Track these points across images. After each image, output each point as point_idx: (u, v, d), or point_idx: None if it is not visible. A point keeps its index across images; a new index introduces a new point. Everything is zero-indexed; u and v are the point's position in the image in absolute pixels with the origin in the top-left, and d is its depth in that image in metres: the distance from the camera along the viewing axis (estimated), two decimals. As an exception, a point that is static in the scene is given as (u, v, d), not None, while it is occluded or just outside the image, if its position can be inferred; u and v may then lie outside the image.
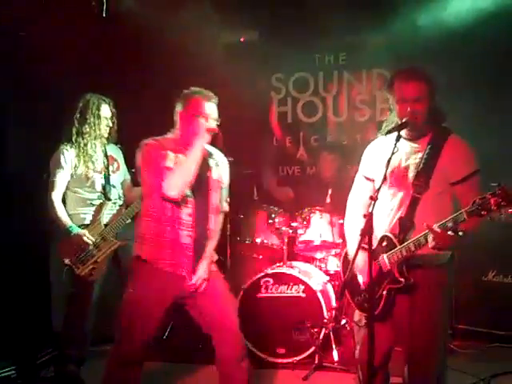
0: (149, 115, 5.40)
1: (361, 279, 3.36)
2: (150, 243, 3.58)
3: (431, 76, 3.23)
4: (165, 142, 3.64)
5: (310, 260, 5.49)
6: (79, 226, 4.39)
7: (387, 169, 3.07)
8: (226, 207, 3.89)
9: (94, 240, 4.38)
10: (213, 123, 3.61)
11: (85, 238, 4.34)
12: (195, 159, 3.52)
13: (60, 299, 4.62)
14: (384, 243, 3.25)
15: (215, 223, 3.76)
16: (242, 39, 6.67)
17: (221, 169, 3.80)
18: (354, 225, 3.43)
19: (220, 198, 3.79)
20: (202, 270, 3.63)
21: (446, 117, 3.31)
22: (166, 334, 5.43)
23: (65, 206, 4.42)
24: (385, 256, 3.24)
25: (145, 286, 3.58)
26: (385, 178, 3.09)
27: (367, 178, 3.47)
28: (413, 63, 5.43)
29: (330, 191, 5.32)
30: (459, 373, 4.53)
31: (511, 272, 5.11)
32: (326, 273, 5.35)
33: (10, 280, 5.06)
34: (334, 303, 5.05)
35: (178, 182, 3.48)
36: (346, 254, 3.57)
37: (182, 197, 3.51)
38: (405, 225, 3.20)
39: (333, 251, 5.30)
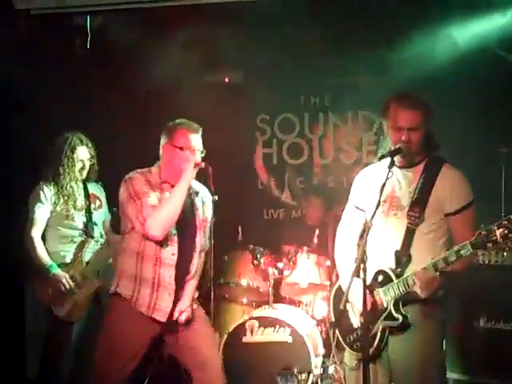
0: (133, 152, 5.27)
1: (353, 316, 3.22)
2: (129, 281, 3.44)
3: (427, 104, 3.15)
4: (150, 176, 3.51)
5: (296, 304, 5.32)
6: (59, 265, 4.22)
7: (381, 194, 2.94)
8: (207, 245, 3.78)
9: (72, 283, 4.19)
10: (199, 156, 3.50)
11: (64, 281, 4.17)
12: (181, 197, 3.39)
13: (35, 341, 4.41)
14: (380, 278, 3.11)
15: (198, 262, 3.65)
16: (226, 80, 6.61)
17: (207, 207, 3.68)
18: (345, 256, 3.32)
19: (204, 238, 3.68)
20: (184, 305, 3.50)
21: (440, 146, 3.24)
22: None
23: (45, 244, 4.26)
24: (380, 291, 3.09)
25: (121, 324, 3.44)
26: (378, 205, 2.94)
27: (358, 208, 3.34)
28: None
29: (317, 231, 5.21)
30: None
31: (502, 317, 4.94)
32: (313, 318, 5.16)
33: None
34: (321, 349, 4.87)
35: (161, 221, 3.34)
36: (337, 290, 3.42)
37: (165, 236, 3.37)
38: (401, 258, 3.08)
39: (320, 294, 5.14)
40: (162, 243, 3.40)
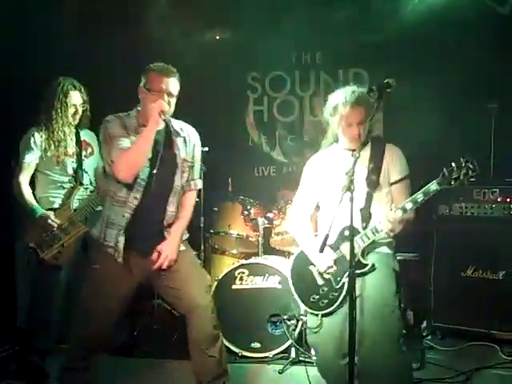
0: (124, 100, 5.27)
1: (317, 275, 3.60)
2: (106, 224, 3.51)
3: (370, 102, 3.45)
4: (126, 119, 3.53)
5: (286, 255, 5.33)
6: (48, 210, 4.24)
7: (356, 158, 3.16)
8: (197, 185, 3.77)
9: (59, 223, 4.21)
10: (172, 101, 3.49)
11: (49, 221, 4.18)
12: (147, 140, 3.40)
13: (25, 288, 4.42)
14: (345, 232, 3.46)
15: (183, 203, 3.66)
16: (217, 37, 6.57)
17: (190, 145, 3.67)
18: (301, 228, 3.79)
19: (188, 177, 3.67)
20: (167, 250, 3.51)
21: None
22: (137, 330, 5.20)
23: (34, 189, 4.30)
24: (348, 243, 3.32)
25: (104, 266, 3.53)
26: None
27: (309, 192, 3.78)
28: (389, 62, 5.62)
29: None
30: (439, 367, 4.46)
31: (490, 267, 4.99)
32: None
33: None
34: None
35: (127, 164, 3.36)
36: (296, 257, 3.82)
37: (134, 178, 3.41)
38: (365, 215, 3.51)
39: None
40: (131, 186, 3.44)
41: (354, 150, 3.47)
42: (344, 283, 3.46)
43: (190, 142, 3.66)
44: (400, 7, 5.73)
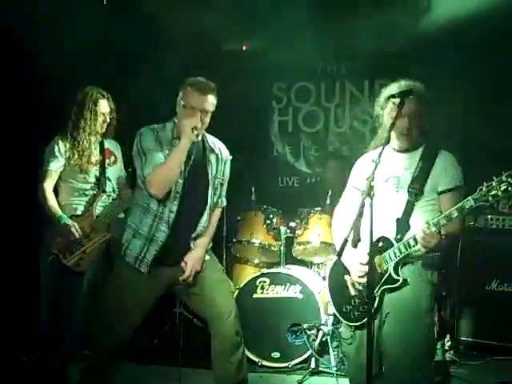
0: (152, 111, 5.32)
1: (350, 285, 3.40)
2: (134, 233, 3.53)
3: (424, 92, 3.36)
4: (161, 132, 3.54)
5: (308, 265, 5.34)
6: (70, 217, 4.28)
7: (377, 164, 3.05)
8: (224, 202, 3.83)
9: (81, 232, 4.25)
10: (207, 117, 3.50)
11: (73, 229, 4.23)
12: (179, 157, 3.41)
13: (48, 293, 4.46)
14: (380, 244, 3.29)
15: (211, 219, 3.69)
16: (244, 47, 6.61)
17: (221, 162, 3.70)
18: (341, 230, 3.43)
19: (219, 194, 3.72)
20: (192, 261, 3.54)
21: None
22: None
23: (57, 197, 4.34)
24: (382, 256, 3.27)
25: (128, 274, 3.55)
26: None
27: (356, 188, 3.53)
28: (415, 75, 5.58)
29: (330, 192, 5.18)
30: (462, 381, 4.42)
31: (515, 281, 4.93)
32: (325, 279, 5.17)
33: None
34: (332, 308, 4.84)
35: (159, 179, 3.38)
36: (333, 266, 3.64)
37: (166, 193, 3.42)
38: (401, 225, 3.28)
39: (332, 256, 5.13)
40: (165, 200, 3.45)
41: (404, 151, 3.40)
42: (375, 298, 3.25)
43: (221, 160, 3.70)
44: (424, 19, 5.70)
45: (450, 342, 5.06)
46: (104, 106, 4.41)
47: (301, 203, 5.74)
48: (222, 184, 3.72)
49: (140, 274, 3.48)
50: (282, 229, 5.02)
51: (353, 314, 3.41)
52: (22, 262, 4.98)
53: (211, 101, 3.48)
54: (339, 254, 3.05)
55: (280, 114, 6.74)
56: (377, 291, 3.25)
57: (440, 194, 3.32)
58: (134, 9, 5.69)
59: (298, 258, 5.28)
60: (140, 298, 3.55)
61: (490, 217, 5.08)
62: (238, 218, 5.30)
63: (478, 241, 5.08)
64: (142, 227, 3.50)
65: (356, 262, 3.31)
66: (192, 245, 3.59)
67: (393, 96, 3.24)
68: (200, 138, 3.54)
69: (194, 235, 3.60)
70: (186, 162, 3.48)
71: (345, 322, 3.47)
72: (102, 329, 3.61)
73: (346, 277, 3.42)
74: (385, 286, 3.25)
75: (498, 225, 5.06)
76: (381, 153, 3.07)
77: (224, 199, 3.81)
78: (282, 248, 5.02)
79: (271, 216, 5.16)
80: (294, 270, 4.91)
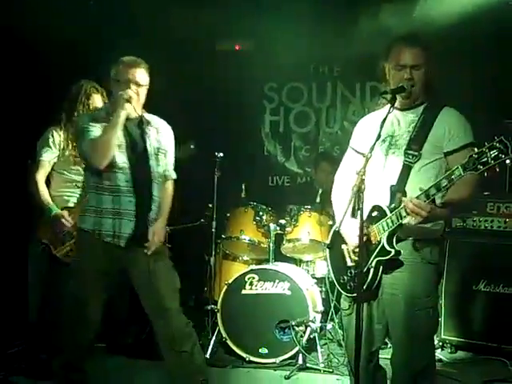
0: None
1: (347, 255, 3.22)
2: (91, 213, 3.58)
3: (429, 43, 3.18)
4: (96, 113, 3.74)
5: (297, 263, 5.35)
6: (62, 209, 4.28)
7: (381, 129, 2.98)
8: (172, 175, 3.86)
9: (72, 222, 4.24)
10: (141, 91, 3.60)
11: (63, 220, 4.23)
12: (114, 125, 3.49)
13: (37, 285, 4.45)
14: (374, 213, 3.10)
15: (161, 191, 3.73)
16: (237, 47, 6.64)
17: (162, 136, 3.77)
18: (342, 197, 3.30)
19: (164, 165, 3.77)
20: (154, 230, 3.63)
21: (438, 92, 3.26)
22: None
23: (49, 187, 4.35)
24: (375, 226, 3.09)
25: (87, 255, 3.60)
26: (378, 137, 2.98)
27: (357, 152, 3.37)
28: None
29: (320, 190, 5.20)
30: (448, 380, 4.41)
31: (502, 282, 4.96)
32: (313, 277, 5.19)
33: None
34: (320, 306, 4.89)
35: (97, 149, 3.47)
36: (333, 234, 3.45)
37: (110, 165, 3.49)
38: (396, 193, 3.06)
39: (321, 254, 5.16)
40: (116, 172, 3.53)
41: (406, 110, 3.19)
42: (370, 269, 3.08)
43: (159, 131, 3.76)
44: (419, 23, 5.74)
45: (436, 342, 5.08)
46: (97, 100, 4.42)
47: (291, 202, 5.74)
48: (164, 155, 3.76)
49: (98, 248, 3.54)
50: (272, 226, 5.02)
51: (349, 286, 3.24)
52: (11, 251, 5.01)
53: (143, 75, 3.61)
54: (339, 228, 2.99)
55: (271, 113, 6.78)
56: (371, 263, 3.08)
57: (446, 155, 3.09)
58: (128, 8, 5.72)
59: (288, 255, 5.29)
60: (104, 268, 3.57)
61: (477, 218, 5.10)
62: (227, 214, 5.30)
63: (466, 241, 5.10)
64: (105, 204, 3.56)
65: (352, 231, 3.08)
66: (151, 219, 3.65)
67: (385, 92, 3.12)
68: (137, 114, 3.63)
69: (147, 208, 3.64)
70: (126, 136, 3.59)
71: (342, 292, 3.32)
72: (69, 314, 3.69)
73: (343, 246, 3.26)
74: (378, 258, 3.07)
75: (487, 226, 5.08)
76: (372, 147, 2.94)
77: (172, 172, 3.85)
78: (271, 245, 5.02)
79: (261, 213, 5.16)
80: (282, 267, 4.91)
